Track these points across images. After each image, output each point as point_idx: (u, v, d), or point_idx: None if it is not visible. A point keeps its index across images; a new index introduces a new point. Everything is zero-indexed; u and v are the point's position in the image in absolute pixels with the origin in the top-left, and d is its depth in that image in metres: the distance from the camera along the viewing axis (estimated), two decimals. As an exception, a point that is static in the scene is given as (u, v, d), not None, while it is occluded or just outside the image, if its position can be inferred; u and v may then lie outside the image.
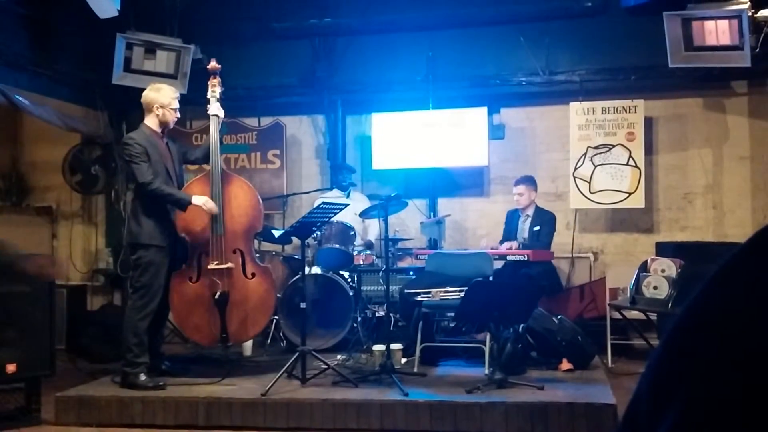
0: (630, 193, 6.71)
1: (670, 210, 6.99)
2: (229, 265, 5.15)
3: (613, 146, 6.77)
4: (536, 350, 5.58)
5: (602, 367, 5.63)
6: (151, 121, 5.12)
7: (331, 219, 5.56)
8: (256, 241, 6.12)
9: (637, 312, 5.84)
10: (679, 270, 5.50)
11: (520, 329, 5.28)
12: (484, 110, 7.04)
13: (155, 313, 5.03)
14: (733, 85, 6.85)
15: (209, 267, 5.12)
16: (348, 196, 6.75)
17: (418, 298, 5.41)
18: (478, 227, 7.31)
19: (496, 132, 7.22)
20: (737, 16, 5.77)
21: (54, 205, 7.94)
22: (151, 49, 6.50)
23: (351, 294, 5.92)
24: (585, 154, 6.84)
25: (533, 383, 4.79)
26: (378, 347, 5.37)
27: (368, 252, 6.51)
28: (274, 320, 6.13)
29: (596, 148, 6.82)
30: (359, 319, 5.86)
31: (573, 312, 6.52)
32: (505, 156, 7.23)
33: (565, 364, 5.35)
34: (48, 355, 4.81)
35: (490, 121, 7.11)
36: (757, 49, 5.86)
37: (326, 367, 5.00)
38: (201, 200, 5.02)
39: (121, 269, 7.24)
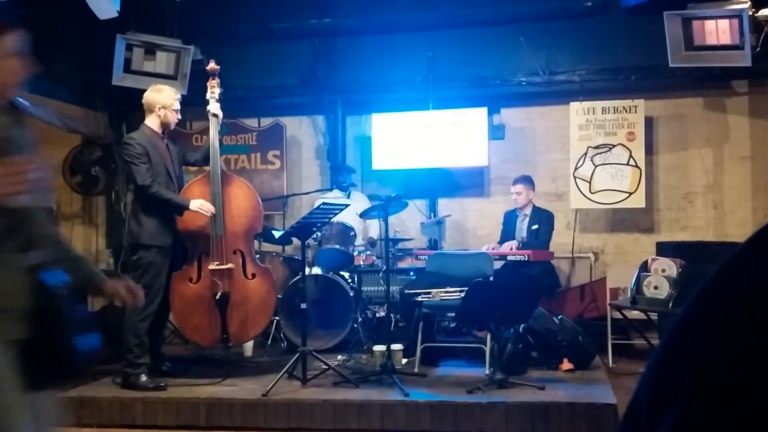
0: (630, 193, 6.71)
1: (670, 210, 6.99)
2: (230, 265, 5.16)
3: (614, 146, 6.77)
4: (537, 350, 5.57)
5: (603, 367, 5.63)
6: (152, 122, 5.12)
7: (332, 219, 5.56)
8: (256, 242, 6.13)
9: (637, 312, 5.84)
10: (680, 270, 5.50)
11: (521, 329, 5.28)
12: (484, 110, 7.04)
13: (156, 314, 5.03)
14: (734, 84, 6.85)
15: (210, 267, 5.13)
16: (348, 197, 6.75)
17: (419, 299, 5.41)
18: (478, 227, 7.31)
19: (497, 132, 7.22)
20: (738, 15, 5.77)
21: (54, 206, 7.94)
22: (150, 50, 6.50)
23: (351, 294, 5.92)
24: (585, 154, 6.84)
25: (534, 383, 4.79)
26: (378, 348, 5.38)
27: (369, 252, 6.51)
28: (275, 321, 6.13)
29: (596, 148, 6.82)
30: (360, 319, 5.86)
31: (573, 312, 6.52)
32: (505, 156, 7.23)
33: (566, 364, 5.35)
34: (48, 356, 4.80)
35: (490, 121, 7.11)
36: (758, 49, 5.86)
37: (327, 367, 5.00)
38: (197, 205, 5.01)
39: (122, 270, 7.24)
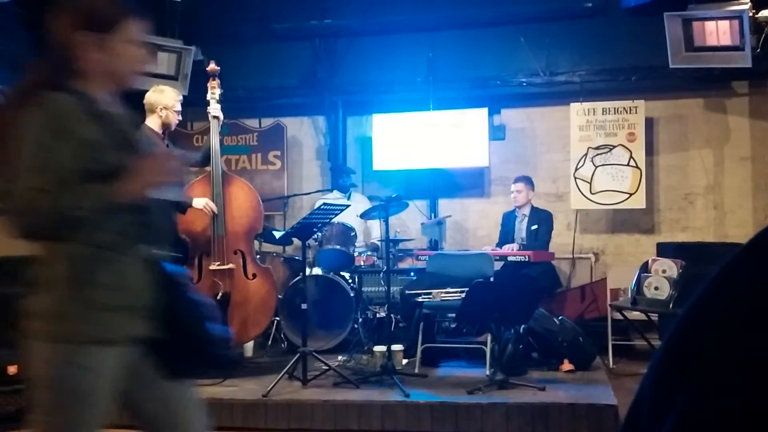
0: (631, 194, 6.71)
1: (671, 210, 6.99)
2: (231, 265, 5.16)
3: (614, 147, 6.77)
4: (537, 351, 5.57)
5: (603, 367, 5.62)
6: (152, 122, 5.12)
7: (332, 220, 5.56)
8: (257, 242, 6.13)
9: (638, 313, 5.84)
10: (680, 270, 5.50)
11: (521, 330, 5.28)
12: (484, 111, 7.04)
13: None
14: (734, 85, 6.85)
15: (210, 268, 5.13)
16: (349, 198, 6.75)
17: (419, 299, 5.41)
18: (478, 228, 7.31)
19: (497, 133, 7.22)
20: (738, 16, 5.77)
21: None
22: (151, 51, 6.50)
23: (352, 295, 5.92)
24: (586, 154, 6.84)
25: (534, 384, 4.79)
26: (379, 348, 5.37)
27: (369, 253, 6.51)
28: (275, 321, 6.13)
29: (597, 148, 6.82)
30: (360, 320, 5.86)
31: (574, 313, 6.52)
32: (505, 157, 7.23)
33: (566, 365, 5.35)
34: (49, 357, 4.81)
35: (490, 121, 7.12)
36: (758, 50, 5.86)
37: (327, 368, 5.00)
38: (201, 203, 5.03)
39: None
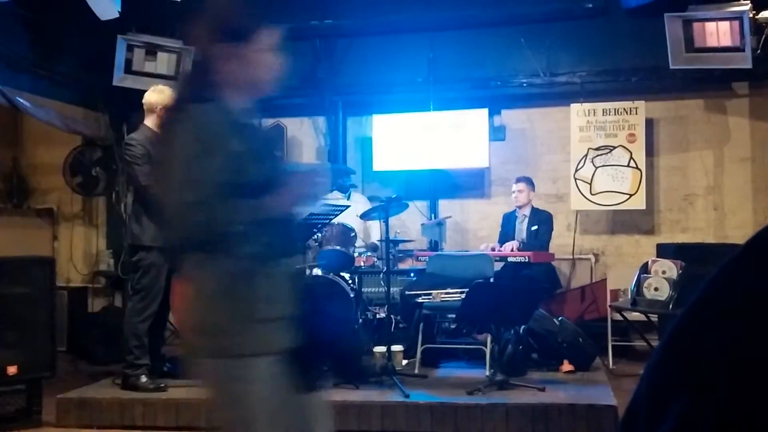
0: (631, 195, 6.71)
1: (671, 211, 6.99)
2: (230, 266, 5.15)
3: (614, 148, 6.77)
4: (537, 352, 5.57)
5: (603, 368, 5.62)
6: (152, 123, 5.12)
7: (332, 221, 5.56)
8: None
9: (638, 313, 5.83)
10: (680, 271, 5.50)
11: (521, 331, 5.28)
12: (484, 112, 7.04)
13: (156, 316, 5.03)
14: (734, 86, 6.85)
15: (210, 268, 5.12)
16: (348, 198, 6.75)
17: (419, 300, 5.41)
18: (478, 229, 7.30)
19: (497, 133, 7.22)
20: (738, 17, 5.77)
21: (55, 207, 7.95)
22: (151, 51, 6.50)
23: (352, 295, 5.91)
24: (586, 155, 6.84)
25: (534, 384, 4.79)
26: (379, 349, 5.37)
27: (369, 254, 6.51)
28: (275, 322, 6.12)
29: (597, 149, 6.82)
30: (360, 320, 5.85)
31: (574, 313, 6.52)
32: (505, 157, 7.23)
33: (566, 366, 5.35)
34: (49, 357, 4.81)
35: (490, 122, 7.11)
36: (758, 51, 5.86)
37: (327, 368, 4.99)
38: None
39: (122, 271, 7.23)
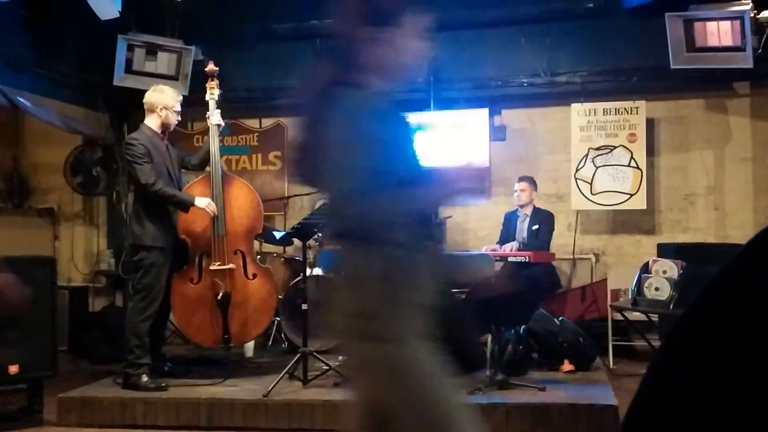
0: (631, 195, 6.71)
1: (671, 211, 6.99)
2: (231, 266, 5.16)
3: (615, 147, 6.77)
4: (538, 351, 5.57)
5: (604, 368, 5.63)
6: (152, 122, 5.12)
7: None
8: (257, 243, 6.13)
9: (638, 313, 5.84)
10: (681, 271, 5.50)
11: (522, 330, 5.28)
12: (485, 111, 7.04)
13: (156, 315, 5.03)
14: (735, 86, 6.85)
15: (211, 268, 5.13)
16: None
17: (420, 300, 5.40)
18: (479, 229, 7.30)
19: (498, 133, 7.22)
20: (739, 17, 5.76)
21: (55, 207, 7.95)
22: (152, 51, 6.50)
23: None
24: (586, 155, 6.84)
25: (535, 384, 4.79)
26: (379, 348, 5.36)
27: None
28: (276, 321, 6.13)
29: (598, 149, 6.82)
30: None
31: (574, 313, 6.52)
32: (506, 157, 7.23)
33: (567, 366, 5.35)
34: (50, 356, 4.81)
35: (491, 122, 7.11)
36: (759, 50, 5.86)
37: (328, 368, 5.00)
38: (204, 202, 5.04)
39: (123, 271, 7.24)
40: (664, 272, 5.57)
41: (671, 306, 5.38)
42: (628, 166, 6.73)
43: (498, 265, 5.93)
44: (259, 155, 7.58)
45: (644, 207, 6.76)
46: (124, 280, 7.32)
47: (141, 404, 4.74)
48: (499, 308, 4.78)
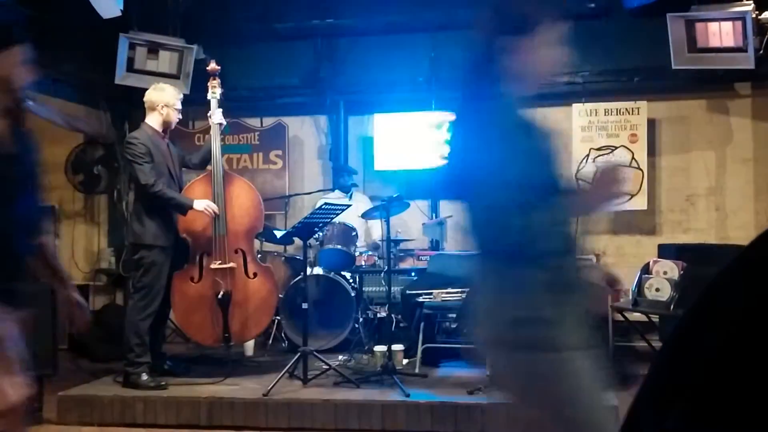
0: (633, 195, 6.70)
1: (672, 212, 6.98)
2: (232, 264, 5.16)
3: (616, 148, 6.77)
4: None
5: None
6: (153, 121, 5.12)
7: (333, 220, 5.56)
8: (258, 242, 6.13)
9: (639, 314, 5.83)
10: (682, 272, 5.49)
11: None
12: (486, 111, 7.02)
13: (156, 314, 5.04)
14: (737, 86, 6.84)
15: (212, 267, 5.13)
16: (350, 197, 6.75)
17: (420, 299, 5.41)
18: (480, 228, 7.30)
19: (499, 133, 7.20)
20: (741, 17, 5.76)
21: (56, 205, 7.95)
22: (153, 49, 6.50)
23: (353, 295, 5.92)
24: (587, 155, 6.83)
25: (535, 385, 4.78)
26: (379, 348, 5.37)
27: (371, 253, 6.51)
28: (276, 320, 6.13)
29: (599, 149, 6.81)
30: (361, 319, 5.86)
31: (575, 313, 6.50)
32: (507, 157, 7.21)
33: (567, 366, 5.34)
34: (50, 355, 4.81)
35: (492, 122, 7.10)
36: (761, 51, 5.85)
37: (328, 367, 5.00)
38: (202, 205, 5.03)
39: (124, 269, 7.24)
40: (665, 273, 5.57)
41: (672, 307, 5.38)
42: (630, 166, 6.73)
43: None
44: (260, 154, 7.58)
45: (645, 207, 6.76)
46: (124, 279, 7.32)
47: (141, 403, 4.74)
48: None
